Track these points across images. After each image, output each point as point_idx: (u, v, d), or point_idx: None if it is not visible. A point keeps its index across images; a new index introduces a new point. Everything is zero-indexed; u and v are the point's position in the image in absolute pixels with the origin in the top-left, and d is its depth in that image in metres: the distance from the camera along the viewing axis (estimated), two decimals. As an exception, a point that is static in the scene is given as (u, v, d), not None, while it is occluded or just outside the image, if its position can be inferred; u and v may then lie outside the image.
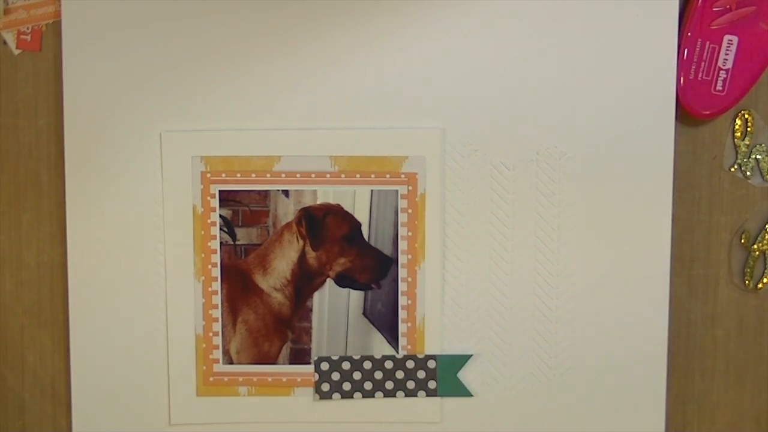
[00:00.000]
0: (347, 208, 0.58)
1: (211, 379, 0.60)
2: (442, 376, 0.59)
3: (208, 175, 0.58)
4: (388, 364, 0.59)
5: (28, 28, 0.59)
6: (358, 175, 0.58)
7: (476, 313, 0.59)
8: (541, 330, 0.59)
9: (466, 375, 0.59)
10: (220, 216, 0.58)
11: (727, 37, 0.57)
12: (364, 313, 0.59)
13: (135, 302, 0.59)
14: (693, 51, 0.57)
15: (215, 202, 0.58)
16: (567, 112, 0.58)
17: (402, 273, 0.59)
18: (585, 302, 0.59)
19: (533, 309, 0.59)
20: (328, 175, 0.58)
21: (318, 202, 0.58)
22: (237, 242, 0.59)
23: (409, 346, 0.59)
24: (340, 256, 0.59)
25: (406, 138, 0.58)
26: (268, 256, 0.59)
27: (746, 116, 0.56)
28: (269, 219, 0.59)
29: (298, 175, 0.58)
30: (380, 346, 0.59)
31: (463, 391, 0.59)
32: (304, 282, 0.59)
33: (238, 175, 0.58)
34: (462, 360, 0.59)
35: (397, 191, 0.58)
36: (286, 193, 0.59)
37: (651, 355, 0.59)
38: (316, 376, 0.59)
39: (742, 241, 0.58)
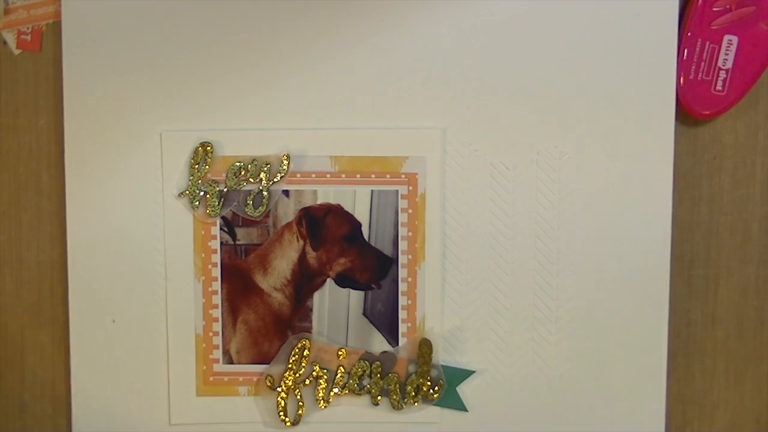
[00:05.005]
0: (347, 208, 0.58)
1: (211, 379, 0.60)
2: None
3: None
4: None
5: (28, 28, 0.59)
6: (358, 175, 0.58)
7: (476, 313, 0.59)
8: (541, 330, 0.59)
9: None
10: (221, 216, 0.59)
11: (727, 37, 0.57)
12: (364, 313, 0.59)
13: (135, 302, 0.59)
14: (693, 51, 0.57)
15: (215, 202, 0.59)
16: (567, 112, 0.58)
17: (402, 273, 0.59)
18: (585, 302, 0.59)
19: (533, 309, 0.59)
20: (328, 175, 0.58)
21: (318, 202, 0.58)
22: (237, 242, 0.59)
23: (409, 347, 0.59)
24: (340, 256, 0.59)
25: (406, 138, 0.58)
26: (268, 256, 0.59)
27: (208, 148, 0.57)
28: (269, 219, 0.59)
29: (298, 175, 0.58)
30: (380, 346, 0.59)
31: (459, 405, 0.59)
32: (305, 282, 0.59)
33: (238, 175, 0.58)
34: (464, 374, 0.59)
35: (397, 191, 0.58)
36: (286, 193, 0.59)
37: (651, 355, 0.59)
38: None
39: None
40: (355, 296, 0.59)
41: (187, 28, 0.57)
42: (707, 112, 0.58)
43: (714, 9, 0.57)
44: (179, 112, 0.58)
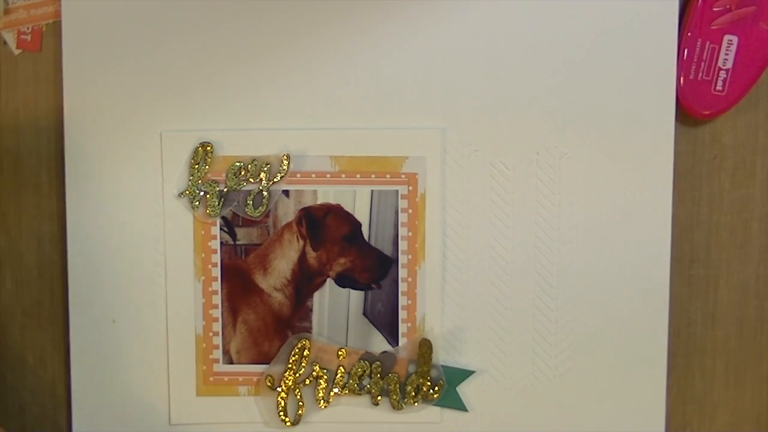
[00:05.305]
0: (347, 208, 0.58)
1: (211, 379, 0.60)
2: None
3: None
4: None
5: (28, 28, 0.59)
6: (358, 175, 0.58)
7: (476, 313, 0.59)
8: (541, 330, 0.59)
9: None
10: (221, 216, 0.59)
11: (727, 37, 0.57)
12: (364, 313, 0.59)
13: (135, 302, 0.59)
14: (693, 51, 0.57)
15: (215, 202, 0.59)
16: (567, 112, 0.58)
17: (402, 273, 0.59)
18: (585, 302, 0.59)
19: (533, 309, 0.59)
20: (328, 175, 0.58)
21: (318, 202, 0.58)
22: (237, 242, 0.59)
23: (409, 347, 0.59)
24: (340, 256, 0.59)
25: (406, 138, 0.58)
26: (268, 256, 0.59)
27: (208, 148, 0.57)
28: (269, 219, 0.59)
29: (298, 175, 0.58)
30: (380, 346, 0.59)
31: (459, 405, 0.59)
32: (305, 282, 0.59)
33: (238, 175, 0.58)
34: (464, 374, 0.59)
35: (397, 191, 0.58)
36: (286, 193, 0.59)
37: (651, 355, 0.59)
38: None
39: None
40: (355, 296, 0.59)
41: (187, 28, 0.57)
42: (707, 112, 0.58)
43: (714, 9, 0.57)
44: (179, 112, 0.58)
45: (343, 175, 0.58)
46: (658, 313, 0.58)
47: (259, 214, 0.58)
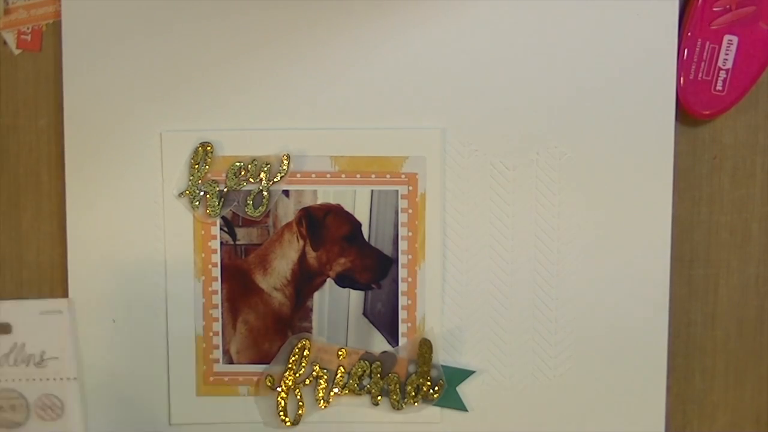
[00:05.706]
0: (347, 208, 0.58)
1: (211, 379, 0.60)
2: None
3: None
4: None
5: (28, 28, 0.59)
6: (358, 175, 0.58)
7: (476, 313, 0.59)
8: (541, 330, 0.59)
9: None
10: (221, 216, 0.59)
11: (727, 37, 0.57)
12: (364, 313, 0.59)
13: (135, 302, 0.59)
14: (693, 51, 0.57)
15: (215, 202, 0.59)
16: (567, 111, 0.58)
17: (402, 273, 0.59)
18: (585, 302, 0.59)
19: (533, 309, 0.59)
20: (328, 175, 0.58)
21: (318, 202, 0.58)
22: (237, 242, 0.59)
23: (409, 347, 0.59)
24: (340, 256, 0.59)
25: (406, 138, 0.58)
26: (268, 256, 0.59)
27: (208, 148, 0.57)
28: (269, 219, 0.59)
29: (298, 175, 0.58)
30: (380, 346, 0.59)
31: (459, 405, 0.59)
32: (305, 282, 0.59)
33: (238, 175, 0.58)
34: (464, 374, 0.59)
35: (397, 191, 0.58)
36: (286, 193, 0.59)
37: (651, 355, 0.59)
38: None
39: None
40: (355, 296, 0.59)
41: (187, 28, 0.57)
42: (707, 112, 0.58)
43: (714, 9, 0.57)
44: (179, 112, 0.58)
45: (343, 175, 0.58)
46: (658, 313, 0.58)
47: (259, 214, 0.58)
